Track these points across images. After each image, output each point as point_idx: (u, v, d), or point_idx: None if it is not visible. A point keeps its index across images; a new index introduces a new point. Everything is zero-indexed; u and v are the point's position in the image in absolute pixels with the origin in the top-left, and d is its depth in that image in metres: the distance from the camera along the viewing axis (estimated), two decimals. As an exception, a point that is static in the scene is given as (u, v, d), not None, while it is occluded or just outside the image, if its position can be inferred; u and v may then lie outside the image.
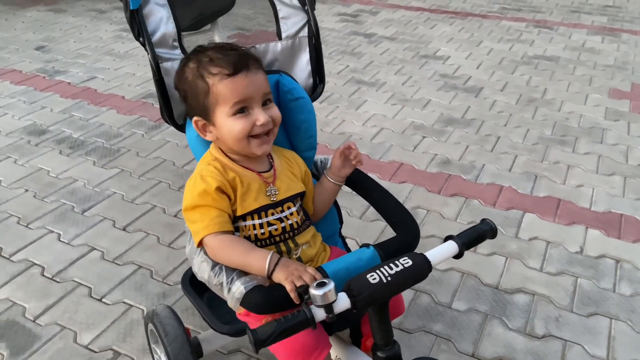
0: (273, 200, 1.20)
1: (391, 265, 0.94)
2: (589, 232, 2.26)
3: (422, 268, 0.95)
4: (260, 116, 1.13)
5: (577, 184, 2.59)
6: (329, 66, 4.04)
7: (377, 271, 0.93)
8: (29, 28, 4.87)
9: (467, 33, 4.75)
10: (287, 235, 1.22)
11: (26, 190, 2.58)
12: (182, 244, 2.22)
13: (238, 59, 1.13)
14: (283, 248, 1.21)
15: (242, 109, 1.13)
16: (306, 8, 1.38)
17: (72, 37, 4.63)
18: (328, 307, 0.88)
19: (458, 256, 1.03)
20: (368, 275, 0.91)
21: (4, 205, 2.47)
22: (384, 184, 2.59)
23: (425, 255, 0.98)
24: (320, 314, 0.88)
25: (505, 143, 2.97)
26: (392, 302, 1.22)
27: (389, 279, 0.92)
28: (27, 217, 2.39)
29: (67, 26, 4.91)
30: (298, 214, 1.24)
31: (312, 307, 0.89)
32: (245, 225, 1.19)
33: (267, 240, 1.20)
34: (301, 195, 1.29)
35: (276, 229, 1.20)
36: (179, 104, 1.26)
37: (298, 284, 0.98)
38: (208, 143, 1.24)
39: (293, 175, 1.28)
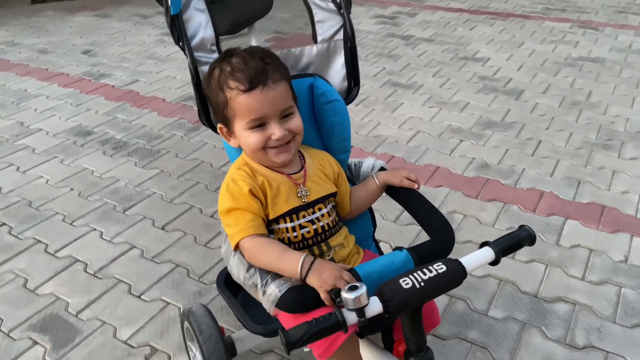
0: (304, 201, 1.21)
1: (425, 270, 0.93)
2: (635, 241, 2.17)
3: (457, 274, 0.94)
4: (275, 130, 1.14)
5: (623, 190, 2.49)
6: (365, 69, 4.03)
7: (410, 276, 0.92)
8: (76, 33, 5.05)
9: (508, 34, 4.65)
10: (319, 237, 1.22)
11: (71, 189, 2.68)
12: (218, 244, 2.25)
13: (255, 74, 1.12)
14: (316, 252, 1.22)
15: (259, 125, 1.15)
16: (342, 11, 1.38)
17: (117, 42, 4.78)
18: (360, 311, 0.88)
19: (494, 263, 1.01)
20: (401, 280, 0.91)
21: (51, 203, 2.57)
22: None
23: (460, 261, 0.96)
24: (351, 318, 0.88)
25: (546, 147, 2.89)
26: (426, 313, 1.21)
27: (422, 284, 0.91)
28: (72, 215, 2.48)
29: (112, 31, 5.08)
30: (329, 215, 1.25)
31: (344, 310, 0.89)
32: (279, 228, 1.20)
33: (301, 244, 1.21)
34: (333, 196, 1.28)
35: (308, 232, 1.21)
36: (216, 106, 1.29)
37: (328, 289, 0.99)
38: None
39: (325, 175, 1.28)
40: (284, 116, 1.17)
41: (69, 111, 3.49)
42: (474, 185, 2.58)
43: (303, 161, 1.27)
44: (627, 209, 2.36)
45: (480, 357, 1.70)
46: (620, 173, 2.62)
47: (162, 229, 2.38)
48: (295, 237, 1.20)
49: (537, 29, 4.74)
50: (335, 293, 0.92)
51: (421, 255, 1.13)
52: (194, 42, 1.26)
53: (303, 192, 1.21)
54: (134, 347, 1.81)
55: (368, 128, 3.18)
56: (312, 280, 1.03)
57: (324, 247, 1.23)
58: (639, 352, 1.69)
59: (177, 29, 1.23)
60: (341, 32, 1.40)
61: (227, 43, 1.42)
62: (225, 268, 1.60)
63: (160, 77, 3.98)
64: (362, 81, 3.77)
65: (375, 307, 0.89)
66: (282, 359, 1.74)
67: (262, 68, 1.13)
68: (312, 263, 1.06)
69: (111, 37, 4.90)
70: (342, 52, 1.41)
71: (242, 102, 1.12)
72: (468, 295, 1.95)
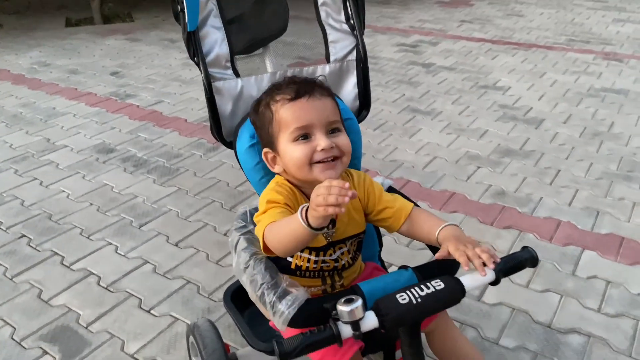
0: (328, 240, 1.17)
1: (422, 286, 0.92)
2: (655, 274, 2.11)
3: (455, 292, 0.93)
4: (321, 141, 1.08)
5: (644, 222, 2.43)
6: (384, 94, 4.07)
7: (408, 292, 0.91)
8: (106, 55, 5.23)
9: (530, 64, 4.65)
10: (336, 271, 1.23)
11: (91, 204, 2.73)
12: (229, 262, 2.26)
13: (301, 85, 1.12)
14: (328, 281, 1.23)
15: (304, 135, 1.10)
16: (355, 32, 1.41)
17: (145, 64, 4.93)
18: (355, 324, 0.87)
19: (494, 283, 1.00)
20: (398, 295, 0.90)
21: (70, 217, 2.63)
22: (434, 212, 2.55)
23: (459, 279, 0.95)
24: (346, 331, 0.88)
25: (566, 177, 2.85)
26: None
27: (419, 300, 0.90)
28: (90, 229, 2.53)
29: (141, 54, 5.24)
30: (349, 253, 1.22)
31: (339, 323, 0.88)
32: (300, 256, 1.19)
33: (316, 273, 1.21)
34: (358, 236, 1.23)
35: (328, 266, 1.21)
36: (228, 121, 1.32)
37: (329, 201, 0.88)
38: (255, 156, 1.27)
39: (354, 211, 1.20)
40: (331, 131, 1.12)
41: (94, 129, 3.59)
42: (489, 212, 2.55)
43: None
44: (648, 241, 2.30)
45: (489, 387, 1.66)
46: (641, 205, 2.56)
47: (176, 245, 2.41)
48: (315, 267, 1.20)
49: (559, 60, 4.73)
50: (331, 306, 0.92)
51: (425, 275, 1.12)
52: (209, 58, 1.30)
53: (329, 233, 1.17)
54: (140, 361, 1.81)
55: (385, 152, 3.19)
56: (312, 216, 0.93)
57: (336, 277, 1.24)
58: (656, 389, 1.63)
59: (193, 45, 1.27)
60: (354, 53, 1.43)
61: (242, 62, 1.47)
62: (233, 284, 1.61)
63: (184, 99, 4.07)
64: (381, 107, 3.84)
65: (370, 321, 0.88)
66: (287, 379, 1.72)
67: (308, 82, 1.13)
68: (306, 208, 0.96)
69: (139, 60, 5.06)
70: (355, 73, 1.44)
71: (287, 110, 1.09)
72: (479, 322, 1.91)
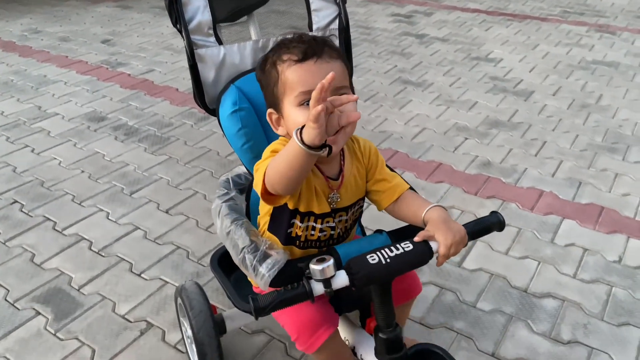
0: (332, 206, 1.16)
1: (392, 248, 0.97)
2: (630, 242, 2.17)
3: (423, 253, 0.98)
4: None
5: (624, 192, 2.49)
6: (376, 65, 4.07)
7: (378, 252, 0.96)
8: (97, 22, 5.18)
9: (523, 36, 4.64)
10: (332, 241, 1.21)
11: (82, 172, 2.76)
12: (222, 243, 2.31)
13: (309, 46, 1.06)
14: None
15: (309, 99, 0.97)
16: (338, 1, 1.43)
17: (136, 32, 4.89)
18: (327, 282, 0.92)
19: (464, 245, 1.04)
20: (368, 256, 0.95)
21: (62, 184, 2.66)
22: (420, 182, 2.61)
23: (428, 242, 1.00)
24: (318, 288, 0.93)
25: (551, 148, 2.89)
26: (407, 282, 1.25)
27: (388, 260, 0.95)
28: (81, 195, 2.57)
29: (132, 22, 5.19)
30: (347, 221, 1.22)
31: (312, 281, 0.93)
32: (300, 226, 1.17)
33: (313, 243, 1.20)
34: (360, 201, 1.23)
35: (325, 235, 1.19)
36: (211, 88, 1.34)
37: (314, 97, 0.87)
38: (237, 123, 1.30)
39: (359, 178, 1.20)
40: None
41: (85, 97, 3.59)
42: (474, 183, 2.60)
43: (342, 162, 1.17)
44: (626, 211, 2.36)
45: (464, 347, 1.73)
46: (622, 176, 2.61)
47: (167, 212, 2.45)
48: (312, 235, 1.18)
49: (553, 32, 4.71)
50: (305, 265, 0.97)
51: (399, 239, 1.17)
52: (192, 25, 1.31)
53: (334, 198, 1.15)
54: (130, 322, 1.88)
55: (375, 123, 3.22)
56: (307, 134, 0.90)
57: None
58: (623, 350, 1.71)
59: (175, 12, 1.28)
60: (336, 22, 1.45)
61: (227, 30, 1.49)
62: (220, 249, 1.66)
63: (175, 68, 4.06)
64: (373, 78, 3.84)
65: (341, 279, 0.93)
66: (272, 339, 1.79)
67: (318, 43, 1.07)
68: (301, 131, 0.92)
69: (130, 28, 5.01)
70: (337, 42, 1.46)
71: (293, 73, 1.04)
72: (459, 287, 1.98)
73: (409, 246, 0.98)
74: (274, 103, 1.11)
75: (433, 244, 0.99)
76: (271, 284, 1.07)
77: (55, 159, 2.88)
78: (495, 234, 2.17)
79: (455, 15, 5.28)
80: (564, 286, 1.97)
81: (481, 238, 2.18)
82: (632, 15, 5.14)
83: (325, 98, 0.86)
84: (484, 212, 2.38)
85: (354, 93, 1.12)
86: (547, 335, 1.77)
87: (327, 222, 1.17)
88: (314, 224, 1.16)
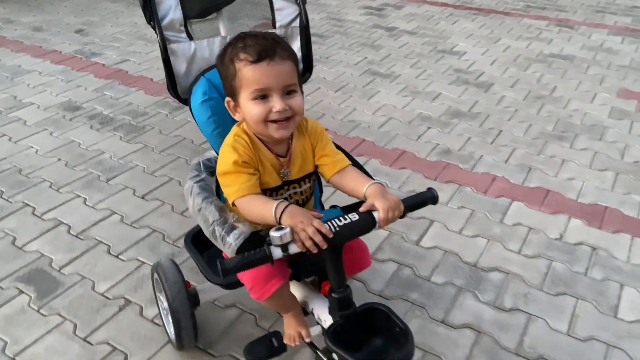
0: (284, 180, 1.34)
1: (341, 218, 1.13)
2: (571, 222, 2.38)
3: (366, 221, 1.14)
4: (276, 104, 1.20)
5: (569, 177, 2.70)
6: (347, 57, 4.22)
7: (329, 222, 1.12)
8: (70, 12, 5.20)
9: (487, 30, 4.84)
10: None
11: (59, 159, 2.86)
12: (193, 220, 2.44)
13: (264, 48, 1.19)
14: None
15: (262, 96, 1.21)
16: (298, 1, 1.57)
17: (109, 22, 4.93)
18: (284, 247, 1.08)
19: (401, 217, 1.20)
20: (321, 225, 1.11)
21: (39, 172, 2.75)
22: (384, 169, 2.78)
23: (372, 213, 1.16)
24: (277, 253, 1.08)
25: (506, 136, 3.09)
26: (359, 255, 1.42)
27: (337, 228, 1.11)
28: (58, 182, 2.67)
29: (106, 12, 5.22)
30: (302, 194, 1.40)
31: (272, 247, 1.09)
32: None
33: None
34: (310, 175, 1.39)
35: None
36: (183, 80, 1.48)
37: (302, 236, 1.09)
38: (207, 111, 1.44)
39: (307, 154, 1.36)
40: (287, 93, 1.23)
41: (60, 87, 3.66)
42: (434, 169, 2.79)
43: (290, 142, 1.34)
44: (570, 194, 2.57)
45: (418, 315, 1.92)
46: (569, 162, 2.83)
47: (142, 197, 2.57)
48: None
49: (515, 26, 4.93)
50: (265, 233, 1.12)
51: (350, 211, 1.33)
52: (164, 22, 1.44)
53: (285, 173, 1.33)
54: (110, 299, 2.00)
55: (344, 113, 3.37)
56: (286, 222, 1.12)
57: None
58: (557, 316, 1.91)
59: (149, 10, 1.41)
60: (297, 20, 1.59)
61: (197, 26, 1.62)
62: (194, 228, 1.80)
63: (149, 58, 4.14)
64: (343, 69, 4.00)
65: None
66: (243, 312, 1.94)
67: (270, 44, 1.21)
68: (285, 207, 1.15)
69: (104, 18, 5.05)
70: (298, 38, 1.60)
71: (248, 73, 1.19)
72: (415, 263, 2.16)
73: (355, 217, 1.14)
74: (232, 93, 1.27)
75: (375, 214, 1.16)
76: (237, 252, 1.22)
77: (32, 147, 2.96)
78: (451, 215, 2.39)
79: (425, 8, 5.46)
80: (509, 261, 2.16)
81: (438, 219, 2.39)
82: (591, 10, 5.38)
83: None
84: (441, 195, 2.49)
85: (302, 91, 1.29)
86: (491, 304, 1.96)
87: (281, 194, 1.35)
88: (271, 196, 1.32)
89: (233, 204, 1.26)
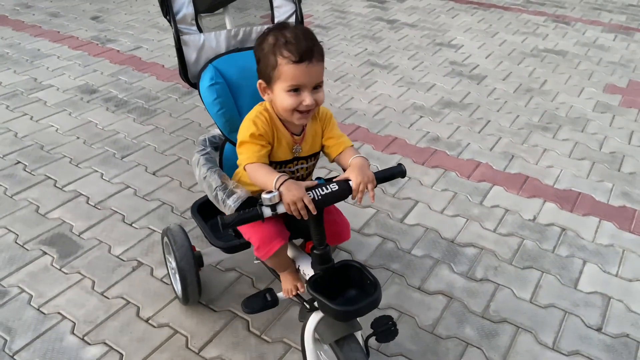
0: (296, 155, 1.54)
1: (323, 187, 1.36)
2: (546, 205, 2.60)
3: (343, 189, 1.36)
4: (307, 99, 1.39)
5: (548, 164, 2.91)
6: (348, 48, 4.42)
7: (313, 190, 1.34)
8: (86, -1, 5.42)
9: (485, 24, 5.02)
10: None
11: (77, 138, 3.10)
12: (199, 188, 2.68)
13: (305, 51, 1.35)
14: None
15: (296, 89, 1.39)
16: (294, 0, 1.78)
17: (124, 10, 5.15)
18: (273, 207, 1.30)
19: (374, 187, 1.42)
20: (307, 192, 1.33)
21: (60, 148, 2.99)
22: (376, 153, 3.00)
23: (349, 184, 1.38)
24: (267, 212, 1.31)
25: (493, 126, 3.30)
26: (340, 227, 1.65)
27: (319, 196, 1.33)
28: (77, 158, 2.91)
29: (120, -1, 5.44)
30: (307, 170, 1.61)
31: (263, 207, 1.31)
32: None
33: None
34: (317, 154, 1.59)
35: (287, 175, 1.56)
36: (193, 66, 1.70)
37: (292, 208, 1.31)
38: (213, 93, 1.66)
39: (317, 135, 1.55)
40: (314, 88, 1.42)
41: (78, 71, 3.89)
42: (423, 154, 3.00)
43: (305, 124, 1.52)
44: (547, 180, 2.78)
45: (397, 282, 2.15)
46: (550, 151, 3.03)
47: (153, 174, 2.81)
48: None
49: (513, 21, 5.10)
50: (258, 195, 1.34)
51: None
52: (178, 17, 1.66)
53: (297, 150, 1.52)
54: (124, 261, 2.25)
55: (342, 101, 3.59)
56: (283, 193, 1.31)
57: None
58: (523, 286, 2.14)
59: (166, 5, 1.63)
60: (293, 17, 1.80)
61: (206, 19, 1.84)
62: (200, 199, 2.03)
63: (162, 45, 4.37)
64: (344, 59, 4.21)
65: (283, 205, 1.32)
66: (241, 275, 2.18)
67: (311, 48, 1.38)
68: (284, 181, 1.33)
69: (119, 5, 5.27)
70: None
71: (289, 70, 1.37)
72: (398, 238, 2.38)
73: (335, 186, 1.36)
74: (267, 79, 1.43)
75: (351, 183, 1.38)
76: (236, 212, 1.45)
77: (52, 126, 3.21)
78: (435, 197, 2.63)
79: (426, 2, 5.63)
80: (484, 238, 2.39)
81: (422, 200, 2.62)
82: (589, 7, 5.54)
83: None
84: (427, 179, 2.79)
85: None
86: (464, 274, 2.19)
87: (289, 167, 1.56)
88: (278, 169, 1.53)
89: (245, 168, 1.44)
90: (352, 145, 1.59)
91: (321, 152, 1.62)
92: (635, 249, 2.33)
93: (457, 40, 4.62)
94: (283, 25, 1.46)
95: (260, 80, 1.48)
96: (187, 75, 1.71)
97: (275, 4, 1.79)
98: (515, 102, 3.60)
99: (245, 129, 1.47)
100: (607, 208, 2.59)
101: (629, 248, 2.34)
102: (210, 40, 1.72)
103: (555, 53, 4.38)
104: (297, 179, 1.61)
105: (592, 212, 2.55)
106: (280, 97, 1.42)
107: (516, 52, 4.39)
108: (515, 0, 5.70)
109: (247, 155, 1.45)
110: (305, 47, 1.38)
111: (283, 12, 1.79)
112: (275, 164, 1.54)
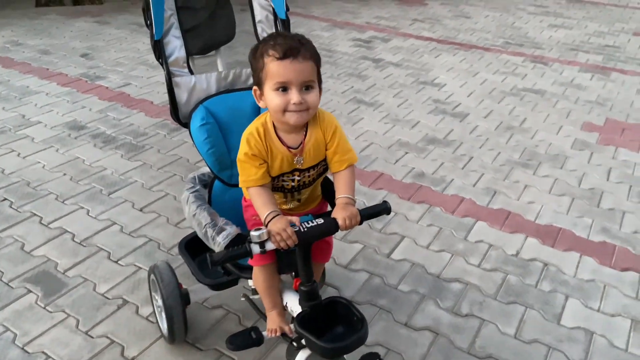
0: (298, 167, 1.52)
1: (310, 222, 1.39)
2: (528, 240, 2.65)
3: (330, 226, 1.40)
4: (294, 97, 1.38)
5: (529, 200, 2.98)
6: (335, 86, 4.53)
7: (300, 225, 1.38)
8: (76, 37, 5.50)
9: (467, 64, 5.18)
10: (295, 190, 1.57)
11: (64, 174, 3.10)
12: (187, 225, 2.69)
13: (289, 47, 1.36)
14: (289, 196, 1.60)
15: (283, 88, 1.38)
16: (277, 22, 1.85)
17: (113, 47, 5.24)
18: (261, 244, 1.33)
19: (359, 224, 1.46)
20: (292, 226, 1.36)
21: (46, 185, 2.99)
22: (363, 189, 3.05)
23: (335, 220, 1.42)
24: (255, 249, 1.33)
25: (476, 163, 3.38)
26: (324, 247, 1.68)
27: (306, 230, 1.36)
28: (64, 195, 2.91)
29: (110, 37, 5.53)
30: (309, 177, 1.56)
31: (252, 244, 1.34)
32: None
33: (278, 189, 1.56)
34: (322, 162, 1.56)
35: (288, 185, 1.55)
36: (184, 107, 1.75)
37: (278, 238, 1.34)
38: (204, 133, 1.69)
39: (320, 145, 1.52)
40: (305, 88, 1.40)
41: (66, 107, 3.92)
42: (408, 190, 3.06)
43: (304, 136, 1.50)
44: (529, 216, 2.84)
45: (384, 318, 2.16)
46: (531, 187, 3.11)
47: (141, 210, 2.81)
48: (277, 184, 1.55)
49: (493, 61, 5.28)
50: (247, 233, 1.37)
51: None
52: (170, 60, 1.72)
53: (299, 161, 1.50)
54: (109, 299, 2.23)
55: (328, 138, 3.65)
56: (270, 226, 1.36)
57: (296, 193, 1.59)
58: (507, 321, 2.16)
59: (159, 50, 1.69)
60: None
61: (198, 62, 1.90)
62: (187, 236, 2.05)
63: (151, 82, 4.43)
64: (331, 97, 4.31)
65: (272, 243, 1.35)
66: (228, 313, 2.18)
67: (296, 45, 1.39)
68: (273, 217, 1.38)
69: (108, 43, 5.36)
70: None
71: (273, 67, 1.38)
72: (385, 273, 2.40)
73: (321, 221, 1.40)
74: (259, 83, 1.46)
75: (338, 220, 1.42)
76: (225, 249, 1.47)
77: (39, 162, 3.21)
78: (421, 232, 2.67)
79: (410, 42, 5.81)
80: (469, 273, 2.42)
81: (408, 235, 2.65)
82: (566, 48, 5.76)
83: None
84: (413, 214, 2.83)
85: (320, 88, 1.47)
86: (450, 310, 2.21)
87: (289, 177, 1.55)
88: (282, 178, 1.54)
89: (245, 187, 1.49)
90: (354, 166, 1.56)
91: None
92: (616, 284, 2.38)
93: (440, 79, 4.76)
94: (277, 33, 1.52)
95: (254, 87, 1.50)
96: (178, 115, 1.75)
97: (261, 35, 1.85)
98: (497, 139, 3.70)
99: (242, 146, 1.50)
100: (587, 243, 2.65)
101: (610, 283, 2.39)
102: (201, 81, 1.77)
103: (534, 92, 4.53)
104: (302, 185, 1.59)
105: (573, 248, 2.61)
106: (269, 97, 1.43)
107: (496, 91, 4.53)
108: (495, 42, 5.91)
109: (244, 178, 1.48)
110: (290, 45, 1.38)
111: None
112: (279, 176, 1.53)
